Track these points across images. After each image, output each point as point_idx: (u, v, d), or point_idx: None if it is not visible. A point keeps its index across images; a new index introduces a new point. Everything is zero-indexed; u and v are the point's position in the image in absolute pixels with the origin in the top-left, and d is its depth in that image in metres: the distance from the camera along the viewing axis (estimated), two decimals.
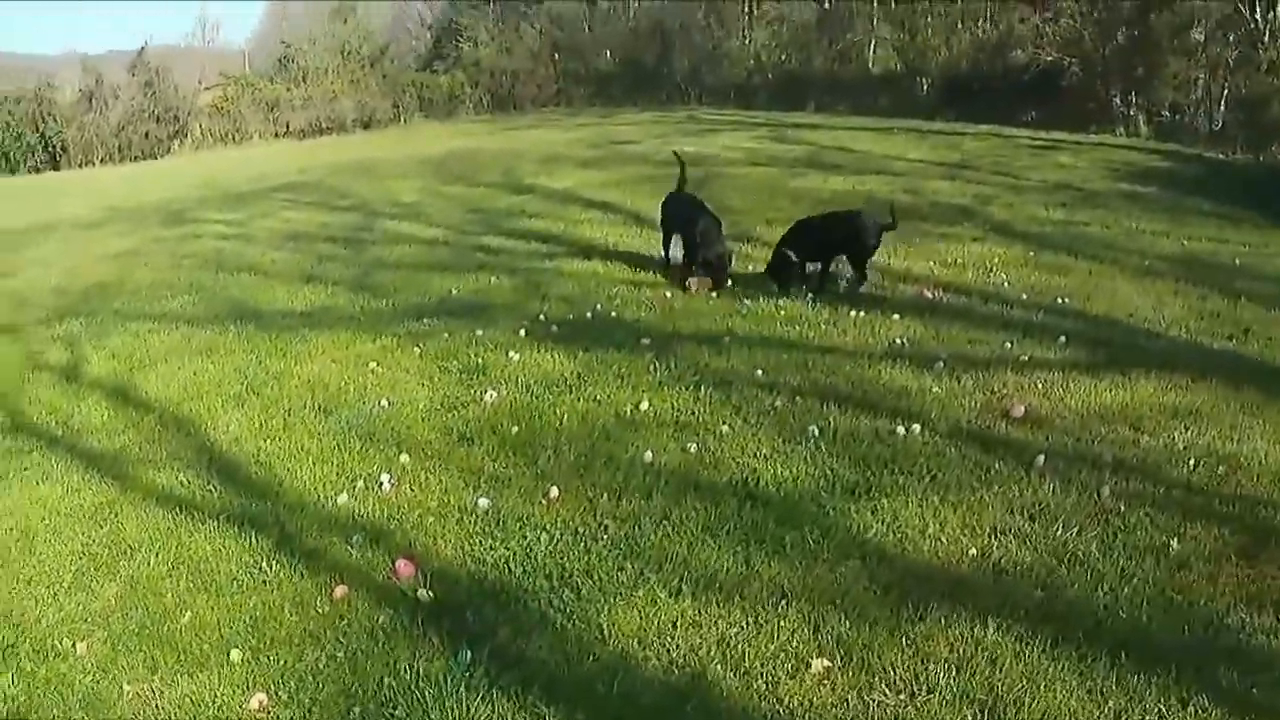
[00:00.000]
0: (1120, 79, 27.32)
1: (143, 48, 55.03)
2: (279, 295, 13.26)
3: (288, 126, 52.75)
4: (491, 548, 6.37)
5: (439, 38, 63.95)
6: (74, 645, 5.90)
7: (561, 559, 6.14)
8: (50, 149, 49.37)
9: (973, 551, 5.80)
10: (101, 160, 49.39)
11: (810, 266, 11.20)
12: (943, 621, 5.18)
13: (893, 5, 39.04)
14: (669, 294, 11.38)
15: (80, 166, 48.79)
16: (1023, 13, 31.78)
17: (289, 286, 13.68)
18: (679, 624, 5.38)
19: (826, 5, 43.34)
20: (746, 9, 47.20)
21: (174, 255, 17.16)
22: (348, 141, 44.63)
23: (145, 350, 11.41)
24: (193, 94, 54.91)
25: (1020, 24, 31.76)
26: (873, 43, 39.09)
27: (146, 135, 50.68)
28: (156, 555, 6.79)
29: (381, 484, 7.34)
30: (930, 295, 10.74)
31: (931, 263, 12.03)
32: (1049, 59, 28.77)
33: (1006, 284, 11.05)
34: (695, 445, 7.45)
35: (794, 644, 5.15)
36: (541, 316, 10.91)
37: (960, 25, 35.60)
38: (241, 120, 52.95)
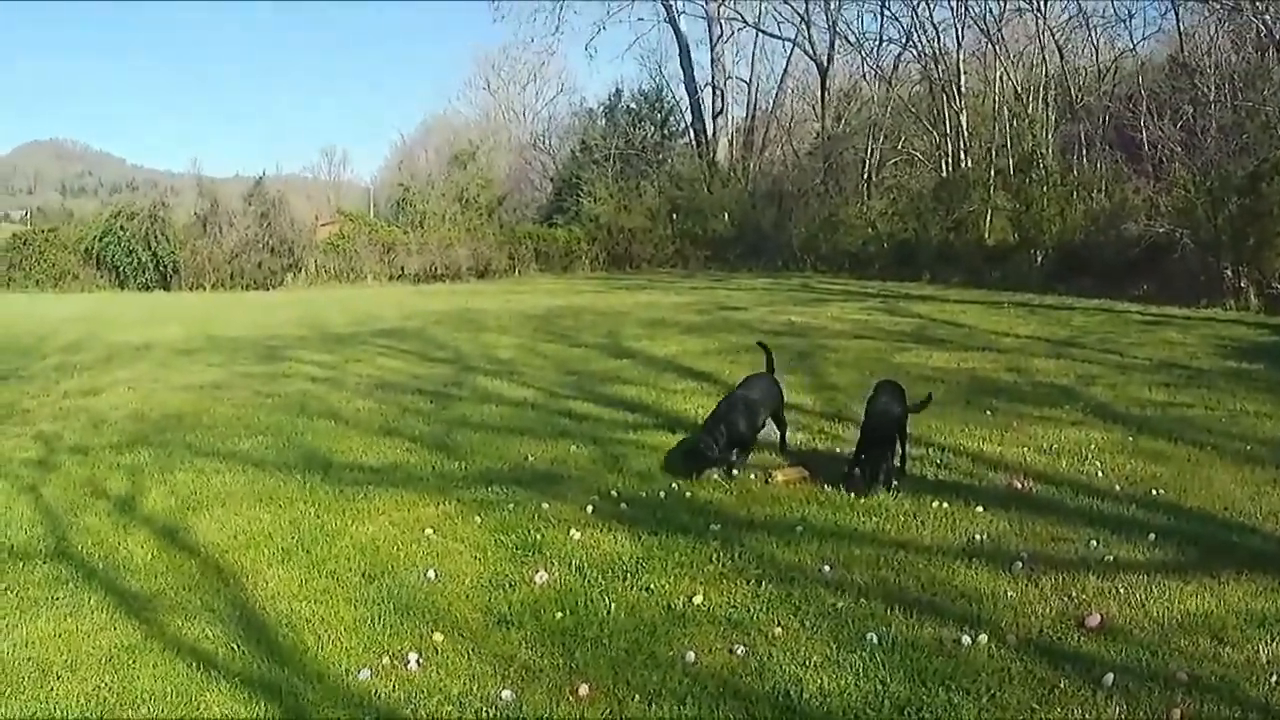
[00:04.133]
0: (1231, 250, 27.00)
1: (261, 177, 55.99)
2: (354, 446, 13.10)
3: (402, 270, 53.40)
4: None
5: (560, 190, 64.66)
6: None
7: None
8: (162, 268, 50.30)
9: None
10: (212, 285, 50.28)
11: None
12: None
13: (1010, 175, 38.92)
14: (752, 475, 11.00)
15: (190, 289, 49.68)
16: (1136, 183, 31.58)
17: (366, 438, 13.52)
18: None
19: (945, 174, 43.35)
20: (865, 176, 47.35)
21: (259, 393, 17.18)
22: (459, 290, 45.01)
23: (206, 490, 11.30)
24: (309, 229, 55.68)
25: (1134, 195, 31.53)
26: (989, 213, 38.94)
27: (260, 265, 51.55)
28: (163, 711, 6.57)
29: (408, 663, 7.05)
30: (1020, 486, 10.33)
31: (1025, 449, 11.66)
32: (1161, 230, 28.46)
33: (1100, 473, 10.64)
34: (743, 648, 7.06)
35: None
36: (614, 492, 10.62)
37: (1075, 196, 35.41)
38: (356, 259, 53.65)
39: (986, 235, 38.93)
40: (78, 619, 8.00)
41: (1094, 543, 8.67)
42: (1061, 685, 6.35)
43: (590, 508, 10.09)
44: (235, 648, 7.43)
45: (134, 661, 7.23)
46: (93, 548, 9.61)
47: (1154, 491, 9.96)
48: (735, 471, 10.99)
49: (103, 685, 6.91)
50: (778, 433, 11.92)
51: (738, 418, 11.07)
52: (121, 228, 50.38)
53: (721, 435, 10.90)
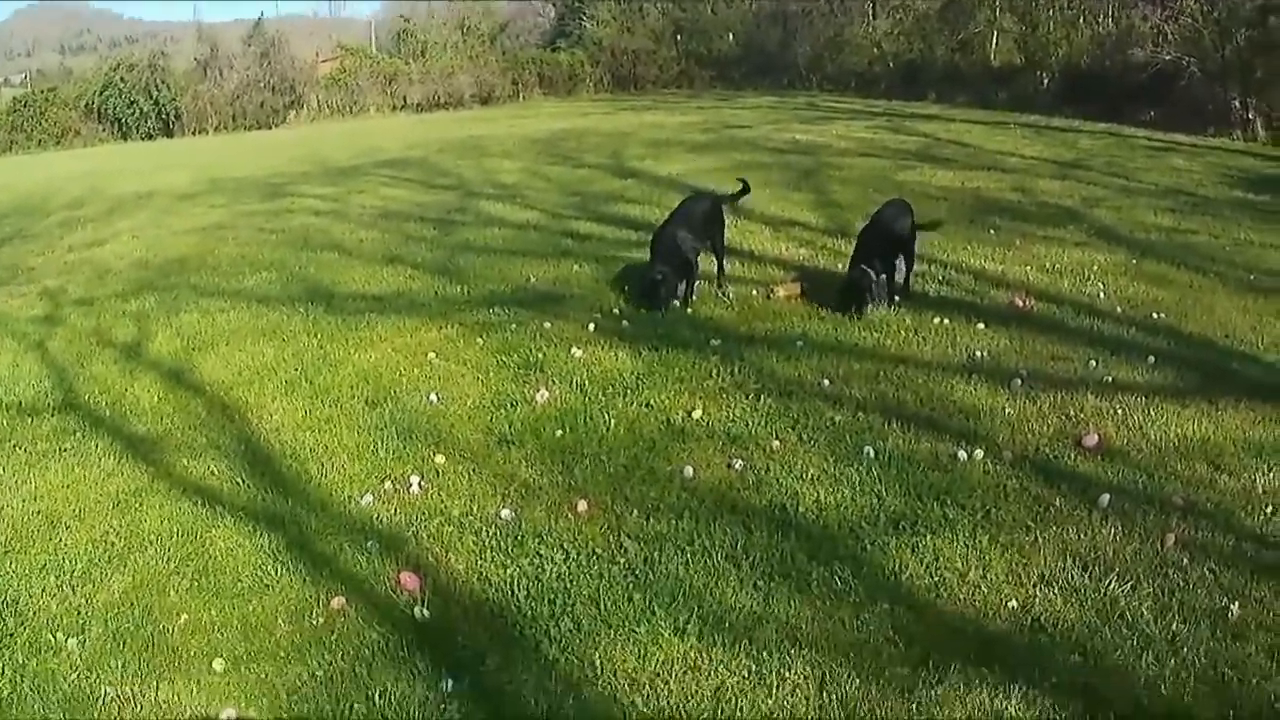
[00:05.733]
0: (1239, 81, 26.62)
1: (259, 19, 55.82)
2: (357, 276, 13.11)
3: (405, 100, 53.27)
4: (502, 565, 6.12)
5: (562, 15, 64.11)
6: (67, 640, 5.78)
7: (570, 583, 5.86)
8: (164, 116, 50.30)
9: (1013, 604, 5.35)
10: (215, 128, 50.30)
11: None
12: (963, 685, 4.75)
13: None
14: (754, 291, 11.02)
15: (194, 134, 49.69)
16: (1144, 10, 31.18)
17: (369, 268, 13.54)
18: (677, 667, 5.06)
19: None
20: None
21: (262, 230, 17.15)
22: (462, 117, 44.88)
23: (211, 330, 11.34)
24: (310, 65, 55.52)
25: (1141, 21, 31.17)
26: (995, 34, 38.59)
27: (262, 105, 51.60)
28: (169, 550, 6.67)
29: (410, 486, 7.15)
30: (1021, 304, 10.28)
31: (1029, 268, 11.57)
32: (1168, 58, 28.13)
33: (1102, 294, 10.55)
34: (741, 461, 7.11)
35: (794, 701, 4.80)
36: (615, 310, 10.65)
37: (1081, 20, 35.03)
38: (359, 93, 53.56)
39: (992, 57, 38.50)
40: (85, 468, 8.11)
41: (1093, 363, 8.63)
42: (1057, 504, 6.37)
43: (592, 325, 10.13)
44: (240, 482, 7.55)
45: (140, 504, 7.35)
46: (99, 396, 9.70)
47: (1155, 315, 9.87)
48: (693, 297, 10.91)
49: (110, 530, 7.02)
50: (715, 261, 11.53)
51: (683, 242, 10.85)
52: (121, 79, 50.30)
53: (679, 262, 10.73)
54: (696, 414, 7.94)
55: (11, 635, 5.90)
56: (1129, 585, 5.46)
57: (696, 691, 4.89)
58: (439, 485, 7.16)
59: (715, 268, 11.38)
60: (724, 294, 11.02)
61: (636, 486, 6.90)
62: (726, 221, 11.59)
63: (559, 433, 7.80)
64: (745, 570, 5.84)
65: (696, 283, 10.98)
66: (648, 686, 4.95)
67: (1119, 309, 10.06)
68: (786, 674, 4.94)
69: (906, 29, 43.40)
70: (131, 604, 6.08)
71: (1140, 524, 6.07)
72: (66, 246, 17.99)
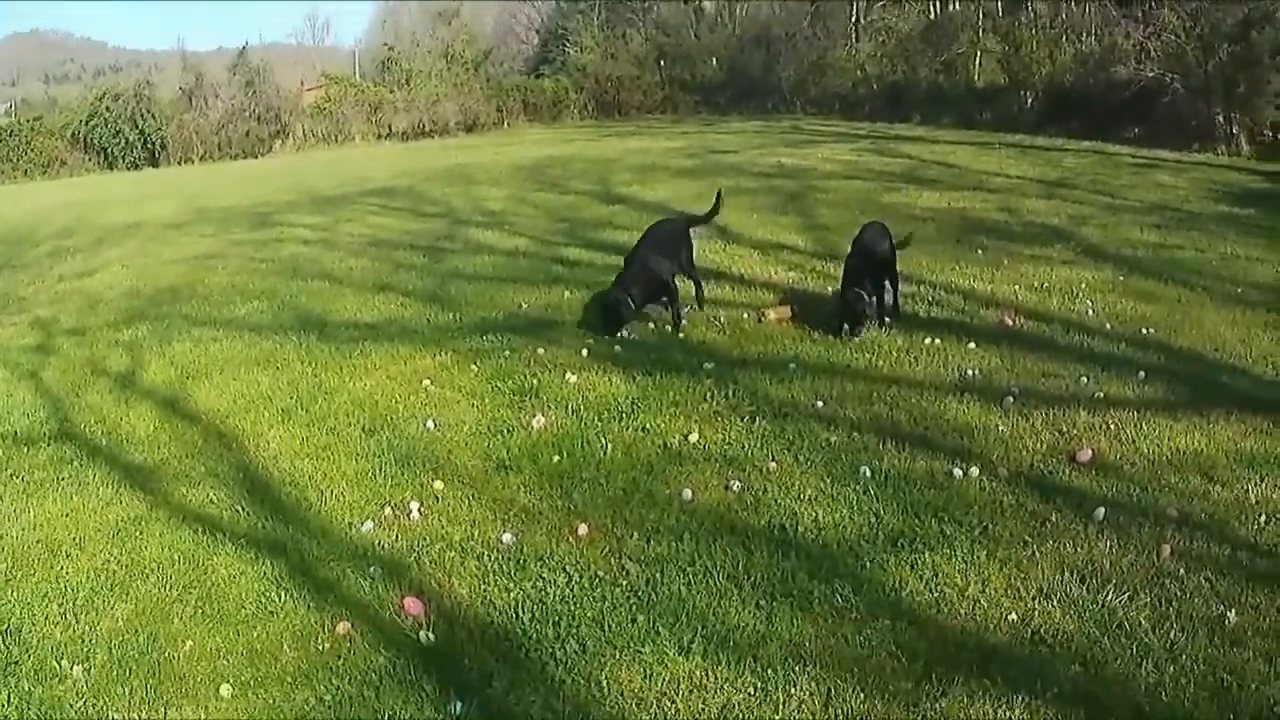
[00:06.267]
0: (1222, 96, 26.72)
1: (244, 47, 55.99)
2: (348, 305, 13.15)
3: (390, 128, 53.41)
4: (506, 589, 6.15)
5: (545, 41, 64.44)
6: (73, 667, 5.78)
7: (574, 606, 5.89)
8: (149, 146, 50.45)
9: (1012, 617, 5.41)
10: (201, 158, 50.40)
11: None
12: (966, 698, 4.80)
13: (998, 17, 38.69)
14: (745, 315, 11.04)
15: (179, 163, 49.75)
16: (1127, 27, 31.28)
17: (360, 296, 13.56)
18: (683, 686, 5.10)
19: (933, 16, 43.09)
20: (853, 18, 47.05)
21: (252, 260, 17.15)
22: (447, 145, 44.91)
23: (204, 359, 11.37)
24: (295, 94, 55.61)
25: (1124, 39, 31.27)
26: (978, 55, 38.75)
27: (247, 134, 51.68)
28: (171, 578, 6.68)
29: (410, 512, 7.17)
30: (1011, 323, 10.34)
31: (1017, 286, 11.63)
32: (1151, 74, 28.22)
33: (1091, 312, 10.63)
34: (739, 483, 7.15)
35: (801, 716, 4.84)
36: (607, 336, 10.62)
37: (1064, 39, 35.16)
38: (344, 121, 53.72)
39: (976, 77, 38.68)
40: (84, 497, 8.11)
41: (1084, 379, 8.69)
42: (1053, 518, 6.42)
43: (585, 351, 10.18)
44: (240, 510, 7.55)
45: (141, 532, 7.36)
46: (95, 425, 9.70)
47: (1144, 331, 9.94)
48: (683, 320, 10.87)
49: (111, 559, 7.03)
50: (693, 287, 11.45)
51: (655, 265, 10.82)
52: (107, 109, 50.40)
53: (640, 287, 10.68)
54: (693, 437, 7.98)
55: (15, 663, 5.91)
56: (1126, 596, 5.51)
57: (703, 710, 4.92)
58: (439, 511, 7.18)
59: (693, 291, 11.36)
60: (692, 313, 11.07)
61: (636, 510, 6.93)
62: (705, 244, 11.64)
63: (556, 458, 7.82)
64: (747, 590, 5.87)
65: (684, 307, 10.96)
66: (655, 705, 4.98)
67: (1108, 325, 10.12)
68: (792, 690, 4.97)
69: (889, 51, 43.62)
70: (135, 631, 6.10)
71: (1136, 536, 6.13)
72: (57, 276, 17.99)
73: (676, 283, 10.95)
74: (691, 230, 11.80)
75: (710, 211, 12.16)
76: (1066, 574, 5.78)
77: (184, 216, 24.59)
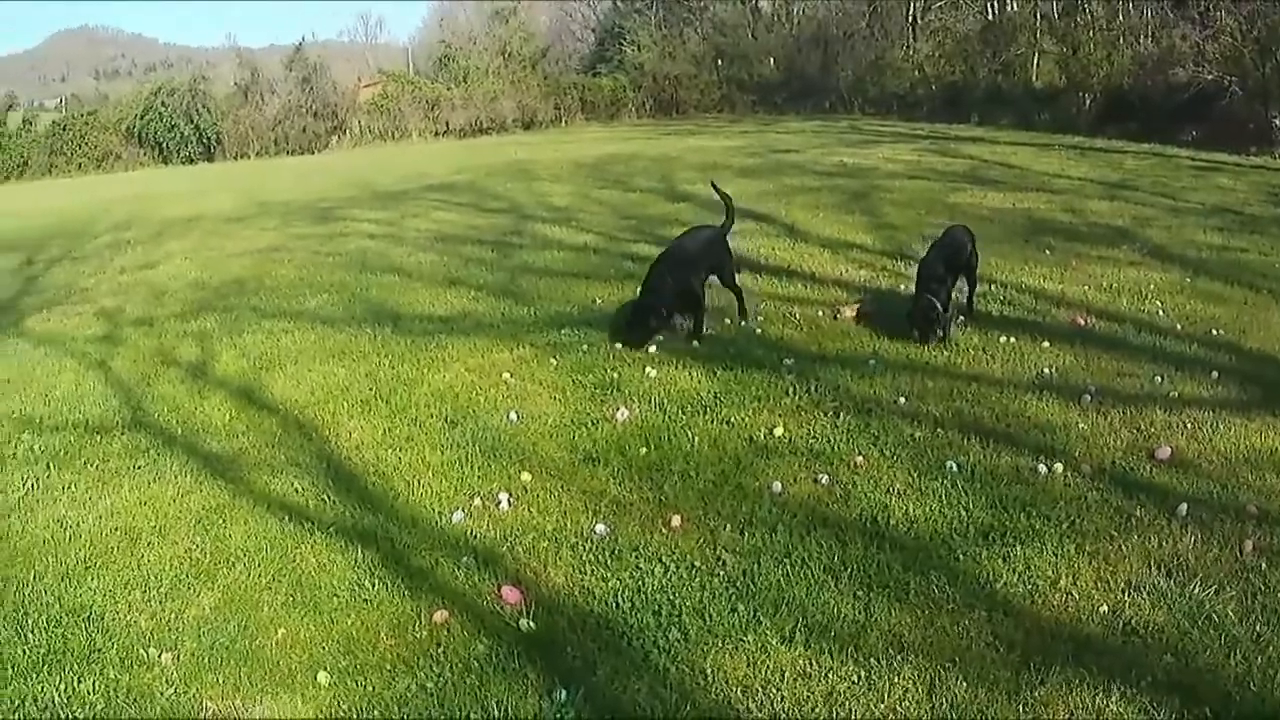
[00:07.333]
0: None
1: (300, 43, 56.12)
2: (420, 298, 13.21)
3: (447, 125, 53.45)
4: (603, 578, 6.16)
5: (602, 40, 64.33)
6: (161, 655, 5.78)
7: (673, 595, 5.90)
8: (204, 140, 50.71)
9: (1104, 609, 5.43)
10: (257, 154, 50.51)
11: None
12: (1064, 686, 4.83)
13: (1056, 19, 38.56)
14: (820, 312, 11.09)
15: (235, 159, 49.99)
16: (1184, 29, 31.13)
17: (431, 290, 13.63)
18: (787, 674, 5.12)
19: (990, 17, 42.97)
20: (910, 18, 46.93)
21: (318, 253, 17.31)
22: (506, 142, 44.93)
23: (276, 350, 11.44)
24: (352, 90, 55.73)
25: (1181, 41, 31.11)
26: (1036, 56, 38.61)
27: (304, 130, 51.83)
28: (259, 566, 6.70)
29: (499, 503, 7.18)
30: (1083, 323, 10.35)
31: (1087, 287, 11.62)
32: (1209, 77, 28.07)
33: (1161, 312, 10.62)
34: (827, 477, 7.15)
35: (905, 704, 4.86)
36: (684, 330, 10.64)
37: (1122, 40, 35.00)
38: (401, 118, 53.79)
39: (1034, 78, 38.48)
40: (161, 485, 8.13)
41: (1159, 378, 8.68)
42: (1137, 513, 6.43)
43: (657, 348, 10.17)
44: (326, 499, 7.57)
45: (224, 520, 7.37)
46: (169, 414, 9.74)
47: (1213, 331, 9.92)
48: (707, 329, 10.63)
49: (194, 547, 7.04)
50: (736, 298, 11.18)
51: (666, 277, 10.52)
52: (163, 104, 50.74)
53: (664, 296, 10.40)
54: (778, 431, 7.97)
55: (100, 650, 5.91)
56: (1213, 589, 5.54)
57: (808, 698, 4.94)
58: (528, 502, 7.18)
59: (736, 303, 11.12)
60: (746, 323, 10.91)
61: (727, 502, 6.94)
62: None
63: (644, 450, 7.82)
64: (845, 581, 5.89)
65: (707, 326, 10.65)
66: (760, 693, 5.00)
67: (1178, 326, 10.12)
68: (895, 679, 5.00)
69: (948, 51, 43.45)
70: (224, 619, 6.11)
71: (1218, 531, 6.15)
72: (119, 268, 18.17)
73: (703, 290, 10.73)
74: (728, 239, 11.51)
75: (728, 212, 11.83)
76: (1153, 568, 5.81)
77: (244, 210, 24.80)
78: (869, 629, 5.46)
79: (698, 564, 6.23)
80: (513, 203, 21.80)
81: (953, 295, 10.38)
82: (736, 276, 11.26)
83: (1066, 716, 4.73)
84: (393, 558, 6.63)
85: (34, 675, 5.73)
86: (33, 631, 6.17)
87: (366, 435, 8.73)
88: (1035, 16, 39.61)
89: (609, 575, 6.19)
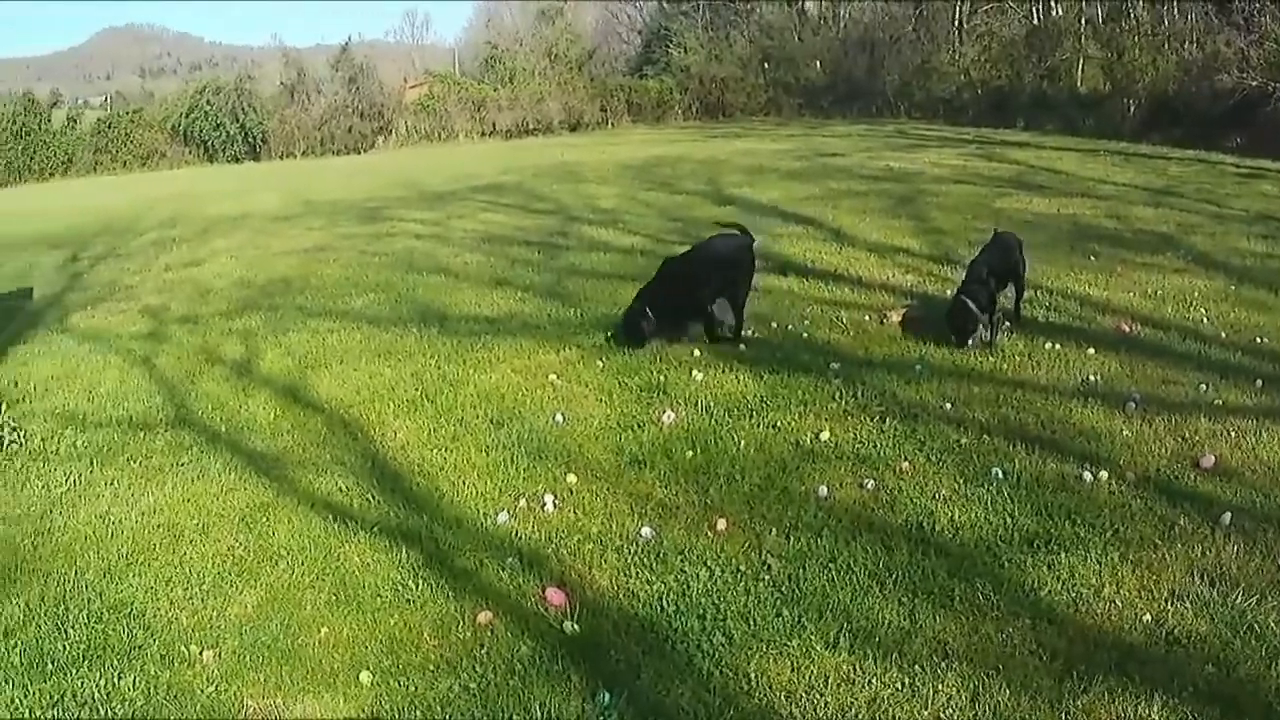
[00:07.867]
0: None
1: (346, 43, 56.30)
2: (467, 299, 13.24)
3: (493, 126, 53.55)
4: (648, 581, 6.15)
5: (649, 42, 64.40)
6: (202, 652, 5.80)
7: (718, 599, 5.90)
8: (250, 139, 50.98)
9: (1147, 618, 5.41)
10: (303, 153, 50.65)
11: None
12: (1107, 695, 4.82)
13: (1100, 23, 38.47)
14: (866, 316, 11.06)
15: (281, 158, 50.11)
16: (1229, 35, 31.03)
17: (478, 290, 13.65)
18: (831, 679, 5.12)
19: (1035, 21, 42.87)
20: (955, 22, 46.85)
21: (364, 253, 17.36)
22: (552, 143, 44.98)
23: (322, 349, 11.47)
24: (398, 91, 55.91)
25: (1226, 47, 31.00)
26: (1081, 61, 38.51)
27: (350, 130, 52.00)
28: (302, 564, 6.72)
29: (545, 504, 7.18)
30: (1128, 329, 10.32)
31: (1131, 294, 11.58)
32: (1254, 83, 27.98)
33: (1205, 320, 10.55)
34: (873, 482, 7.14)
35: (949, 712, 4.85)
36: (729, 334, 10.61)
37: (1167, 46, 34.89)
38: (447, 118, 53.90)
39: (1079, 83, 38.42)
40: (205, 482, 8.17)
41: (1203, 386, 8.63)
42: (1181, 522, 6.40)
43: (710, 349, 10.19)
44: (370, 498, 7.58)
45: (268, 519, 7.40)
46: (213, 412, 9.78)
47: (1258, 339, 9.86)
48: (724, 332, 10.57)
49: (237, 544, 7.07)
50: (730, 312, 10.74)
51: (668, 284, 10.56)
52: (208, 102, 51.04)
53: (656, 303, 10.41)
54: (824, 435, 7.96)
55: (140, 647, 5.93)
56: (1255, 599, 5.51)
57: (852, 703, 4.95)
58: (574, 504, 7.18)
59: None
60: (729, 348, 10.41)
61: (773, 505, 6.93)
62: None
63: (689, 453, 7.81)
64: (889, 587, 5.89)
65: (720, 324, 10.58)
66: (804, 698, 5.00)
67: (1223, 334, 10.05)
68: (939, 686, 5.00)
69: (994, 56, 43.36)
70: (266, 617, 6.13)
71: (1261, 541, 6.12)
72: (163, 265, 18.27)
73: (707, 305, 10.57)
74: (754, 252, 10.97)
75: (739, 227, 11.43)
76: (1196, 577, 5.78)
77: (290, 209, 24.93)
78: (913, 635, 5.45)
79: (743, 568, 6.22)
80: (559, 204, 21.85)
81: (998, 301, 10.30)
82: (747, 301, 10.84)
83: None
84: (437, 558, 6.64)
85: (74, 670, 5.76)
86: (73, 627, 6.21)
87: (412, 435, 8.75)
88: (1080, 21, 39.59)
89: (654, 578, 6.19)
